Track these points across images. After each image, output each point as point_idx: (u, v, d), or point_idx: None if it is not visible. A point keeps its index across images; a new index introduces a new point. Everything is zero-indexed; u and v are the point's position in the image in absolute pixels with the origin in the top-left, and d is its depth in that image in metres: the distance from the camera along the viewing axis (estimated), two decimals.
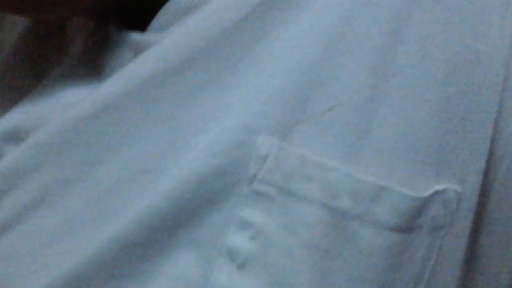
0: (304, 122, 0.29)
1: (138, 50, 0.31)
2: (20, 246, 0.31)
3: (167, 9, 0.32)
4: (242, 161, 0.29)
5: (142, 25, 0.34)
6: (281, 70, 0.29)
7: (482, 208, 0.32)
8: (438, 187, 0.30)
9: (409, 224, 0.29)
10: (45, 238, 0.31)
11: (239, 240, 0.29)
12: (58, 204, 0.31)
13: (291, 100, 0.29)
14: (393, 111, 0.29)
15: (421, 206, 0.29)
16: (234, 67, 0.30)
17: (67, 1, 0.31)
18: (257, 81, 0.29)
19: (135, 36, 0.32)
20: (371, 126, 0.29)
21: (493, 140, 0.30)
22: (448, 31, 0.29)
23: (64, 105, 0.34)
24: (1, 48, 0.39)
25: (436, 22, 0.29)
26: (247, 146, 0.29)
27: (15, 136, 0.34)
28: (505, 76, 0.30)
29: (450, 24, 0.29)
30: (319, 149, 0.29)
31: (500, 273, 0.33)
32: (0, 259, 0.31)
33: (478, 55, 0.29)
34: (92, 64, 0.35)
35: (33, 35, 0.38)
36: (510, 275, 0.33)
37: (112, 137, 0.30)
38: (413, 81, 0.29)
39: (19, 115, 0.34)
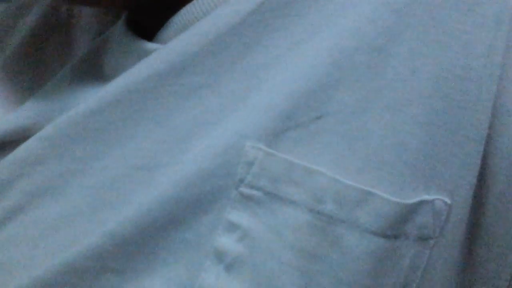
0: (292, 129, 0.30)
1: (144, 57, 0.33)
2: (25, 232, 0.33)
3: (173, 22, 0.34)
4: (231, 165, 0.30)
5: (147, 33, 0.35)
6: (273, 79, 0.30)
7: (478, 221, 0.32)
8: (426, 197, 0.30)
9: (394, 230, 0.29)
10: (47, 226, 0.32)
11: (227, 242, 0.30)
12: (61, 194, 0.32)
13: (281, 108, 0.30)
14: (381, 124, 0.29)
15: (406, 213, 0.29)
16: (226, 73, 0.31)
17: None
18: (248, 87, 0.31)
19: (143, 44, 0.34)
20: (359, 136, 0.29)
21: (487, 156, 0.31)
22: (439, 48, 0.30)
23: (71, 105, 0.35)
24: (4, 48, 0.40)
25: (427, 40, 0.30)
26: (236, 151, 0.30)
27: (25, 133, 0.35)
28: (497, 93, 0.30)
29: (441, 41, 0.30)
30: (306, 155, 0.29)
31: (498, 283, 0.33)
32: (6, 242, 0.33)
33: (469, 72, 0.30)
34: (97, 66, 0.36)
35: (36, 36, 0.40)
36: (507, 283, 0.33)
37: (112, 133, 0.32)
38: (401, 95, 0.30)
39: (27, 113, 0.36)
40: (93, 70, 0.36)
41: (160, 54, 0.32)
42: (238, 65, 0.31)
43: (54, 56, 0.39)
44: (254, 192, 0.30)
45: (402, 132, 0.29)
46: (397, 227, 0.29)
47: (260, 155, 0.29)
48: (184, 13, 0.33)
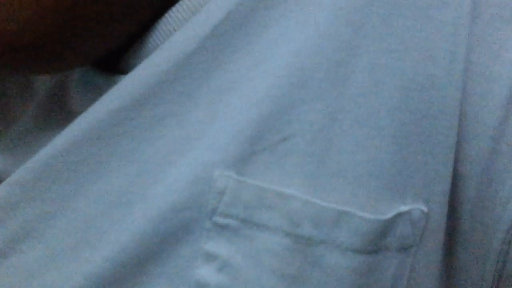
0: (259, 153, 0.29)
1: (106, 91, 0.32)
2: (5, 279, 0.32)
3: (133, 51, 0.33)
4: (202, 195, 0.29)
5: (107, 63, 0.35)
6: (236, 104, 0.30)
7: (455, 226, 0.32)
8: (403, 208, 0.30)
9: (374, 246, 0.29)
10: (30, 271, 0.32)
11: (207, 273, 0.29)
12: (39, 238, 0.32)
13: (246, 133, 0.29)
14: (349, 140, 0.29)
15: (385, 228, 0.29)
16: (189, 101, 0.30)
17: (72, 56, 0.32)
18: (213, 113, 0.30)
19: (106, 76, 0.34)
20: (328, 154, 0.29)
21: (457, 162, 0.30)
22: (400, 59, 0.29)
23: (38, 146, 0.34)
24: None
25: (387, 51, 0.30)
26: (205, 180, 0.29)
27: None
28: (462, 99, 0.30)
29: (401, 51, 0.30)
30: (277, 178, 0.29)
31: (481, 286, 0.33)
32: None
33: (432, 80, 0.30)
34: (61, 102, 0.36)
35: None
36: (491, 284, 0.33)
37: (82, 171, 0.31)
38: (366, 109, 0.29)
39: None
40: (58, 108, 0.36)
41: (119, 88, 0.31)
42: (200, 91, 0.30)
43: (14, 96, 0.39)
44: (228, 221, 0.29)
45: (371, 146, 0.29)
46: (376, 242, 0.29)
47: (231, 183, 0.29)
48: (144, 41, 0.33)
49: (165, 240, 0.29)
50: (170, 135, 0.30)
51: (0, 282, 0.32)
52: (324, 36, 0.29)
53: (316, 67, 0.29)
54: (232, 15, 0.30)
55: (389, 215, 0.29)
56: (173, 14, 0.32)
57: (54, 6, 0.28)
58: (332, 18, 0.30)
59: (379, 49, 0.29)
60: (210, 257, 0.29)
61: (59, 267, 0.31)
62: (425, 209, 0.30)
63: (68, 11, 0.29)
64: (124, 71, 0.33)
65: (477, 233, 0.31)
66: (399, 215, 0.30)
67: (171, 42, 0.31)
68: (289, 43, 0.30)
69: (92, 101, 0.33)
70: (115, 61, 0.34)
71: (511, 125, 0.30)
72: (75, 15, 0.29)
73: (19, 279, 0.32)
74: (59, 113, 0.35)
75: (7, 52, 0.29)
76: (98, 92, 0.33)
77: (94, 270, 0.30)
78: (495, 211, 0.30)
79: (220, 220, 0.29)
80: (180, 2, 0.31)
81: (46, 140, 0.34)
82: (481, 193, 0.31)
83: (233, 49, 0.30)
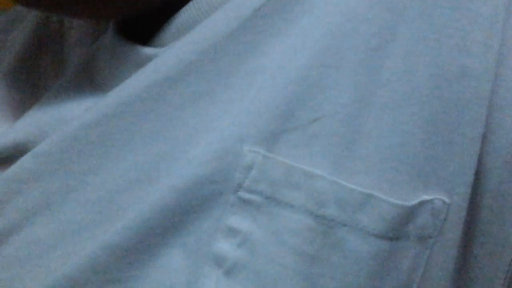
0: (290, 131, 0.29)
1: (141, 64, 0.33)
2: (22, 250, 0.32)
3: (169, 25, 0.33)
4: (229, 170, 0.29)
5: (139, 37, 0.35)
6: (269, 83, 0.30)
7: (473, 219, 0.32)
8: (426, 197, 0.30)
9: (395, 232, 0.29)
10: (46, 243, 0.32)
11: (226, 247, 0.30)
12: (58, 210, 0.32)
13: (277, 110, 0.30)
14: (380, 124, 0.29)
15: (408, 215, 0.29)
16: (225, 80, 0.31)
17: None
18: (246, 93, 0.30)
19: (139, 49, 0.34)
20: (357, 137, 0.29)
21: (482, 154, 0.31)
22: (434, 47, 0.30)
23: (67, 118, 0.35)
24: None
25: (422, 38, 0.30)
26: (233, 155, 0.29)
27: (21, 148, 0.35)
28: (492, 91, 0.30)
29: (436, 40, 0.30)
30: (305, 158, 0.29)
31: (494, 283, 0.33)
32: (4, 262, 0.33)
33: (465, 71, 0.30)
34: (92, 76, 0.36)
35: (29, 50, 0.40)
36: (502, 281, 0.33)
37: (109, 146, 0.31)
38: (399, 95, 0.30)
39: (23, 128, 0.36)
40: (88, 81, 0.36)
41: (157, 64, 0.31)
42: (236, 71, 0.31)
43: (48, 70, 0.39)
44: (253, 197, 0.29)
45: (401, 132, 0.29)
46: (398, 228, 0.29)
47: (259, 159, 0.29)
48: (181, 16, 0.33)
49: (188, 213, 0.30)
50: (203, 114, 0.31)
51: (16, 255, 0.32)
52: (362, 20, 0.30)
53: (352, 49, 0.30)
54: None
55: (413, 202, 0.29)
56: None
57: None
58: (371, 2, 0.30)
59: (415, 36, 0.30)
60: (231, 232, 0.30)
61: (75, 240, 0.31)
62: (447, 200, 0.30)
63: None
64: (157, 46, 0.33)
65: (494, 228, 0.31)
66: (422, 203, 0.30)
67: (211, 20, 0.31)
68: (326, 26, 0.30)
69: (123, 74, 0.33)
70: (148, 35, 0.34)
71: None
72: None
73: (35, 251, 0.32)
74: (88, 86, 0.36)
75: None
76: (131, 66, 0.33)
77: (111, 240, 0.30)
78: None
79: (244, 195, 0.29)
80: None
81: (74, 112, 0.35)
82: (501, 186, 0.31)
83: (271, 32, 0.31)
